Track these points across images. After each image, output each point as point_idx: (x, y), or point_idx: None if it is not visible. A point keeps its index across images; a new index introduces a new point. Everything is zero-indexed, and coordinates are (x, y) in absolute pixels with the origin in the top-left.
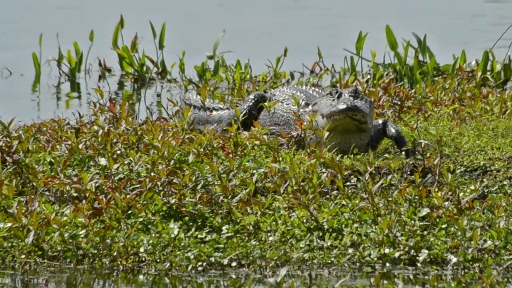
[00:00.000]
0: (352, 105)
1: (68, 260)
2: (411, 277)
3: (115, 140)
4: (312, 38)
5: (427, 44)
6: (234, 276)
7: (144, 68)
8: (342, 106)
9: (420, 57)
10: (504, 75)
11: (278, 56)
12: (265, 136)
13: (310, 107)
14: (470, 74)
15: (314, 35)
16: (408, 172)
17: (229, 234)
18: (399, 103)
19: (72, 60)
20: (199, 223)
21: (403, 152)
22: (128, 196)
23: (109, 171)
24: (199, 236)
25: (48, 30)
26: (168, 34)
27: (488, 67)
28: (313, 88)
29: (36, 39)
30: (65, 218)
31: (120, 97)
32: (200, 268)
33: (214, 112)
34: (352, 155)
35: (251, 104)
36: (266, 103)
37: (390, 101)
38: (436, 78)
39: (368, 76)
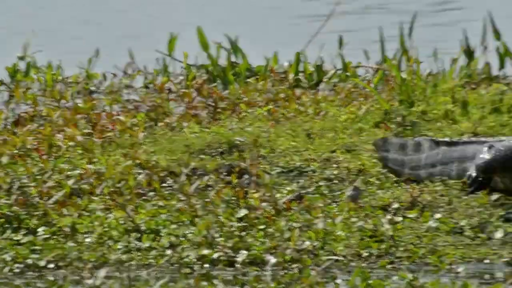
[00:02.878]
0: None
1: None
2: (231, 278)
3: None
4: (124, 39)
5: (240, 46)
6: (51, 278)
7: None
8: None
9: (233, 58)
10: (317, 76)
11: (90, 57)
12: (79, 137)
13: None
14: (283, 75)
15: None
16: (225, 173)
17: (46, 236)
18: (213, 104)
19: None
20: (15, 225)
21: None
22: None
23: None
24: (15, 238)
25: None
26: None
27: (301, 68)
28: None
29: None
30: None
31: None
32: (17, 270)
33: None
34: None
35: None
36: None
37: (204, 102)
38: (249, 79)
39: (181, 77)
